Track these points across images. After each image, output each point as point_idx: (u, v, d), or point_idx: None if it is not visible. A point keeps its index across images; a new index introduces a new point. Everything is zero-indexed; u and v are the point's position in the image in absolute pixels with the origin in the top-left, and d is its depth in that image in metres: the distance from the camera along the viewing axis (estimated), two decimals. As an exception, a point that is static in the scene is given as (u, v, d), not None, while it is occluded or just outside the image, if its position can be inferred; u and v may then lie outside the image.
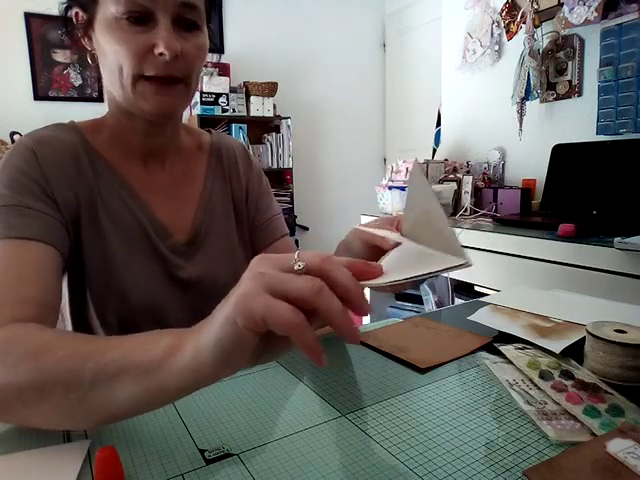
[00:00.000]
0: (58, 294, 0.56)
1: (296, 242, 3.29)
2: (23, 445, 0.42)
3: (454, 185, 1.95)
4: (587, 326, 0.54)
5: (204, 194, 0.74)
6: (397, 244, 0.45)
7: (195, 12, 0.60)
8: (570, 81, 1.79)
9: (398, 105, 3.67)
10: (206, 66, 2.87)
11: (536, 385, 0.50)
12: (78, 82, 2.84)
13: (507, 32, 1.94)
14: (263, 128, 3.25)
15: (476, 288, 1.70)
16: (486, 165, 2.10)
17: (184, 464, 0.39)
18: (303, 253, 0.34)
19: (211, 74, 2.91)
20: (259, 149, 3.16)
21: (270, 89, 3.08)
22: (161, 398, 0.37)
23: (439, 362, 0.58)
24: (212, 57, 3.06)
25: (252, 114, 3.06)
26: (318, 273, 0.32)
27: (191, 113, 2.97)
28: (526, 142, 1.94)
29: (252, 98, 3.04)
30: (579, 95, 1.77)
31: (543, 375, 0.51)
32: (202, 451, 0.41)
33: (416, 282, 0.40)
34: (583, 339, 0.55)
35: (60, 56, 2.76)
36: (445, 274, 1.65)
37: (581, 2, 1.60)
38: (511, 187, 1.92)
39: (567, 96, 1.80)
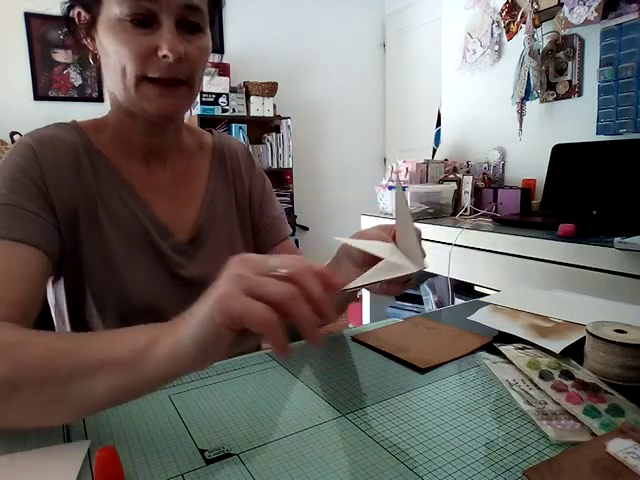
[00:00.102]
0: (38, 298, 0.56)
1: (296, 242, 3.30)
2: (23, 445, 0.42)
3: (454, 185, 1.95)
4: (587, 326, 0.54)
5: (207, 194, 0.74)
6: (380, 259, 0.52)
7: (198, 14, 0.60)
8: (570, 81, 1.78)
9: (398, 105, 3.68)
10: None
11: (536, 385, 0.50)
12: (78, 82, 2.84)
13: (507, 32, 1.94)
14: (263, 128, 3.25)
15: (476, 288, 1.71)
16: (486, 165, 2.09)
17: (184, 464, 0.39)
18: (284, 258, 0.38)
19: (211, 74, 2.91)
20: (259, 149, 3.16)
21: (270, 89, 3.09)
22: (139, 390, 0.40)
23: (439, 362, 0.58)
24: (212, 57, 2.98)
25: (252, 114, 3.06)
26: (294, 281, 0.36)
27: (191, 113, 2.96)
28: (526, 142, 1.94)
29: (252, 98, 3.04)
30: (579, 95, 1.77)
31: (543, 375, 0.51)
32: (202, 451, 0.41)
33: (368, 288, 0.55)
34: (583, 339, 0.55)
35: (60, 56, 2.76)
36: (445, 274, 1.67)
37: (581, 2, 1.60)
38: (511, 187, 1.92)
39: (567, 96, 1.80)
